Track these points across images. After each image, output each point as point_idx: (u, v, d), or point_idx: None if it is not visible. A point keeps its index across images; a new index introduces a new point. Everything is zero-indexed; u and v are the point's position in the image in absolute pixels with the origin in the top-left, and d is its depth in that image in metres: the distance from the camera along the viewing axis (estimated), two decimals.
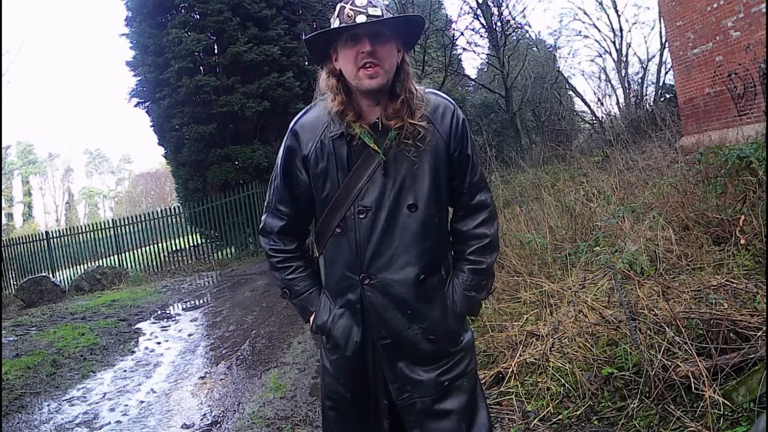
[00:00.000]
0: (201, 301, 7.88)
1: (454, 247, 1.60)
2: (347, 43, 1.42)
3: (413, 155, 1.46)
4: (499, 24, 17.52)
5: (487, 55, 19.02)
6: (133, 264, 13.34)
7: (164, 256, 13.49)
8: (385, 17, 1.40)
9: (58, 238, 14.28)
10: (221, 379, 4.10)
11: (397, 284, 1.47)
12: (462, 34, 18.31)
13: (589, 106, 20.06)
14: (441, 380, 1.50)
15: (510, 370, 2.88)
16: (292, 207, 1.57)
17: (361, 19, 1.38)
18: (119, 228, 13.98)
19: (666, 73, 19.25)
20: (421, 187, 1.48)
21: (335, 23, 1.42)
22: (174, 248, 13.95)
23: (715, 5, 8.32)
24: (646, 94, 19.09)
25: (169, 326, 6.33)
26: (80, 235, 14.42)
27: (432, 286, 1.51)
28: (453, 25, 18.22)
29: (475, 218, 1.57)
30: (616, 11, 22.20)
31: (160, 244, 13.71)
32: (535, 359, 2.88)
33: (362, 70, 1.41)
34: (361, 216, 1.47)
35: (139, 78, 13.65)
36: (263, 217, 1.63)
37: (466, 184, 1.56)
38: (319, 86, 1.53)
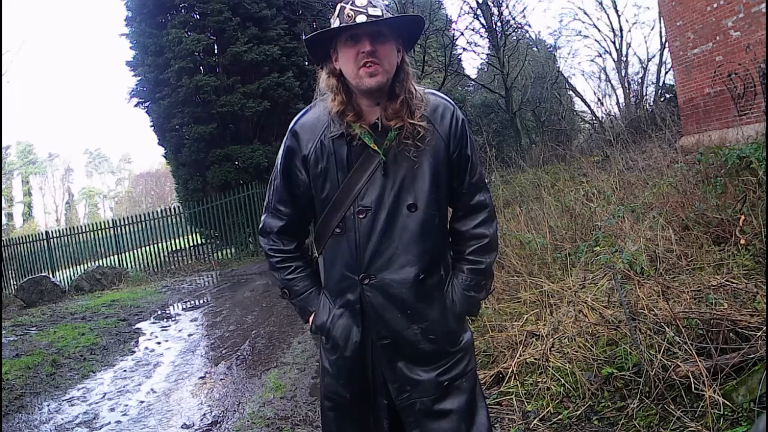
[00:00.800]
0: (201, 301, 7.87)
1: (454, 247, 1.60)
2: (347, 42, 1.42)
3: (413, 155, 1.46)
4: (499, 24, 17.56)
5: (487, 55, 19.05)
6: (133, 264, 13.35)
7: (164, 256, 13.50)
8: (385, 17, 1.40)
9: (58, 238, 14.28)
10: (221, 379, 4.10)
11: (396, 284, 1.47)
12: (462, 34, 18.37)
13: (589, 106, 20.10)
14: (440, 380, 1.50)
15: (510, 370, 2.88)
16: (292, 207, 1.57)
17: (361, 18, 1.37)
18: (119, 228, 13.98)
19: (666, 73, 19.31)
20: (421, 187, 1.47)
21: (335, 23, 1.42)
22: (174, 248, 13.95)
23: (715, 5, 8.32)
24: (646, 94, 19.12)
25: (169, 326, 6.33)
26: (80, 235, 14.41)
27: (431, 286, 1.51)
28: (453, 25, 18.27)
29: (474, 218, 1.57)
30: (616, 11, 22.29)
31: (160, 244, 13.71)
32: (535, 359, 2.87)
33: (362, 68, 1.41)
34: (361, 216, 1.47)
35: (139, 78, 13.67)
36: (263, 217, 1.63)
37: (466, 184, 1.56)
38: (319, 86, 1.53)
